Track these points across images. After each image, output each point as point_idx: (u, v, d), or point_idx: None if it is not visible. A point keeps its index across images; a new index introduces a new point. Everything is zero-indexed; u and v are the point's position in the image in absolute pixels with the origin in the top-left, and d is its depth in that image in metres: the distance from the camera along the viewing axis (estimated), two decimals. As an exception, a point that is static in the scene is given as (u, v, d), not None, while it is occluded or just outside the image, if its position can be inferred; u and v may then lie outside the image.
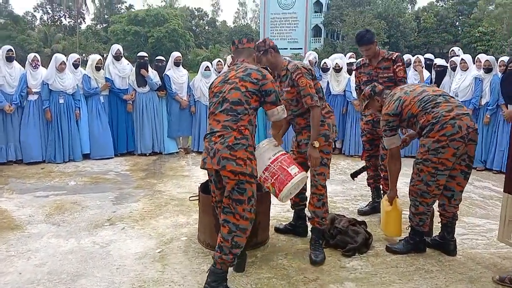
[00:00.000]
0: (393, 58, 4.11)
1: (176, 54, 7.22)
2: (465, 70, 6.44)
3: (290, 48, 43.53)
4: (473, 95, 6.27)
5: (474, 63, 6.53)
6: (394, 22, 37.96)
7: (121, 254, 3.44)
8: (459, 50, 7.32)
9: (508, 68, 5.91)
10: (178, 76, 7.09)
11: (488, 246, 3.70)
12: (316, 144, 3.22)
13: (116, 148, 6.90)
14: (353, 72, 6.90)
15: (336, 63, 7.09)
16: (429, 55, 7.37)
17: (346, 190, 5.33)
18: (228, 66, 7.85)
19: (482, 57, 6.49)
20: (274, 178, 3.05)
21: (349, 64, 7.17)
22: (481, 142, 6.27)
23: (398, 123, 3.45)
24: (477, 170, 6.36)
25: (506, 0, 33.77)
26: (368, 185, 4.51)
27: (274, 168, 3.06)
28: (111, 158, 6.76)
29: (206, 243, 3.52)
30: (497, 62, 6.40)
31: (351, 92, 6.99)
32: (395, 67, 4.09)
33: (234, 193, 2.72)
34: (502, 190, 5.42)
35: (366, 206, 4.49)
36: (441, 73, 6.73)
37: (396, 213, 3.68)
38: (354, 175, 4.48)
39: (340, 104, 7.18)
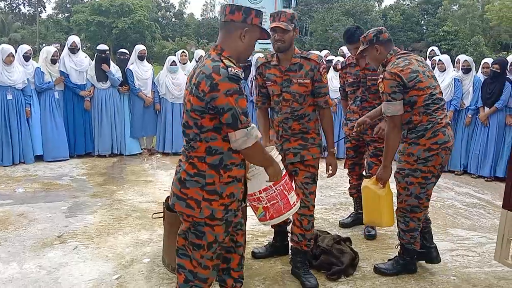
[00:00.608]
0: None
1: (140, 47, 6.65)
2: (442, 71, 6.21)
3: (259, 43, 43.07)
4: (454, 96, 6.04)
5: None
6: (362, 19, 38.15)
7: (72, 282, 2.93)
8: (438, 50, 7.11)
9: (491, 69, 5.76)
10: (142, 71, 6.53)
11: (481, 264, 3.42)
12: (336, 151, 2.93)
13: (72, 149, 6.29)
14: (330, 70, 6.67)
15: (312, 61, 6.71)
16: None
17: (324, 198, 4.97)
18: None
19: (462, 57, 6.29)
20: (271, 203, 2.57)
21: (328, 62, 6.83)
22: (460, 145, 6.08)
23: None
24: (456, 174, 6.16)
25: (470, 1, 34.55)
26: (351, 195, 4.16)
27: (275, 192, 2.56)
28: (66, 160, 6.14)
29: (172, 267, 3.05)
30: (474, 63, 6.24)
31: (327, 91, 6.64)
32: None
33: (190, 235, 2.09)
34: (483, 196, 5.27)
35: (348, 218, 4.15)
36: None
37: (391, 198, 3.13)
38: None
39: (315, 104, 6.80)
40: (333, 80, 6.59)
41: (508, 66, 5.77)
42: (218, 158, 1.99)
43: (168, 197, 3.30)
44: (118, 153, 6.55)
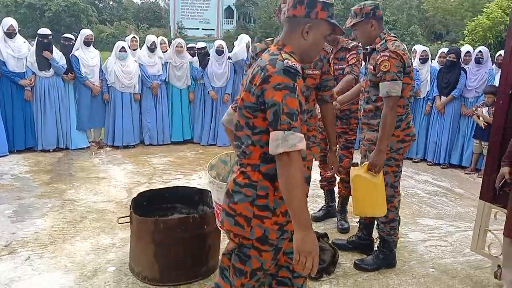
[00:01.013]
0: (349, 47, 3.63)
1: (86, 31, 6.11)
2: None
3: (202, 29, 42.37)
4: (411, 86, 6.12)
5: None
6: (304, 7, 38.56)
7: (27, 299, 2.58)
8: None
9: (447, 59, 5.87)
10: (88, 57, 6.02)
11: (455, 253, 3.43)
12: (338, 148, 2.73)
13: (11, 144, 5.68)
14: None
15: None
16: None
17: (290, 191, 4.83)
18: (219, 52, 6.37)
19: (419, 48, 6.37)
20: None
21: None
22: (418, 134, 6.18)
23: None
24: (413, 162, 6.27)
25: (406, -9, 35.93)
26: (322, 187, 4.04)
27: None
28: (5, 156, 5.53)
29: (142, 276, 2.78)
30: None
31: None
32: (348, 55, 3.64)
33: (234, 257, 1.79)
34: (442, 183, 5.38)
35: (319, 211, 4.04)
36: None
37: (383, 185, 2.89)
38: None
39: (274, 93, 6.66)
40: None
41: (462, 56, 5.92)
42: (275, 167, 1.62)
43: (134, 199, 3.01)
44: (64, 147, 6.03)
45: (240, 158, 1.73)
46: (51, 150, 5.89)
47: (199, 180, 5.00)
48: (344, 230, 3.72)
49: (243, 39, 6.61)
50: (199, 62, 6.67)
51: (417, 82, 6.05)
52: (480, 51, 5.85)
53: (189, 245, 2.77)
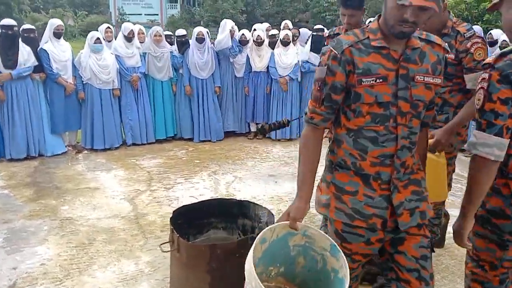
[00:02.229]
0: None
1: (56, 21, 5.40)
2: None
3: (145, 14, 40.55)
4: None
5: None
6: (249, -10, 38.00)
7: None
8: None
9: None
10: (59, 51, 5.33)
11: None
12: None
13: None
14: (278, 45, 6.16)
15: (258, 35, 6.12)
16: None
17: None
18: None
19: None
20: None
21: (272, 37, 6.30)
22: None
23: None
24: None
25: (351, -28, 36.17)
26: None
27: None
28: (-30, 169, 4.82)
29: (196, 311, 2.37)
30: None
31: (275, 68, 6.14)
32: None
33: None
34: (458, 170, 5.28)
35: None
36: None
37: (446, 166, 2.41)
38: (262, 130, 3.51)
39: (263, 83, 6.28)
40: (282, 56, 6.11)
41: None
42: None
43: (172, 218, 2.57)
44: (36, 155, 5.31)
45: None
46: (21, 159, 5.18)
47: (204, 183, 4.57)
48: None
49: (227, 25, 6.14)
50: (178, 50, 6.15)
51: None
52: (490, 33, 5.92)
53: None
